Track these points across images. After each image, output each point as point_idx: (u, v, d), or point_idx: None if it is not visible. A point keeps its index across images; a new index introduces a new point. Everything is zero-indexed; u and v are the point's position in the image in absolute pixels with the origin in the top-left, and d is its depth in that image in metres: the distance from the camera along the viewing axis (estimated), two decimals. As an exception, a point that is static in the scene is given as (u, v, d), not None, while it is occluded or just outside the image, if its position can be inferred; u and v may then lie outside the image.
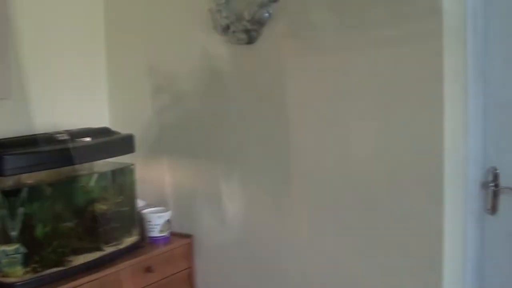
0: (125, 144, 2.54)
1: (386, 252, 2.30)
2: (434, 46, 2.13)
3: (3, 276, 2.12)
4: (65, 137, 2.33)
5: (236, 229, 2.64)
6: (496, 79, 2.33)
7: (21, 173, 2.18)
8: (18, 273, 2.14)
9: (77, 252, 2.34)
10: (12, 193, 2.14)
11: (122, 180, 2.59)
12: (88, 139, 2.38)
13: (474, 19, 2.27)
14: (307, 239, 2.47)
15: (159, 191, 2.79)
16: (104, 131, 2.57)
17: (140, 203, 2.67)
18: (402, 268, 2.28)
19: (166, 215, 2.66)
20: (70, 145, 2.29)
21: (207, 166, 2.68)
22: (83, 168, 2.44)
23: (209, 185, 2.68)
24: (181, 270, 2.70)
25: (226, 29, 2.49)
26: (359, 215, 2.36)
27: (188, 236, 2.73)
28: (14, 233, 2.13)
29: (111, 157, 2.47)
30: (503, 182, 2.35)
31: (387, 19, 2.19)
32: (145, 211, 2.66)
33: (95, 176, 2.49)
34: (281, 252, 2.54)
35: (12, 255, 2.12)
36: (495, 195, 2.37)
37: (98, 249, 2.42)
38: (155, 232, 2.63)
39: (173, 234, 2.73)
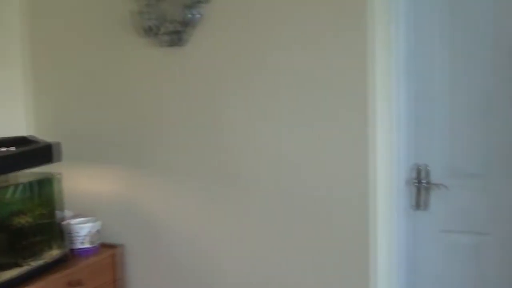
0: (45, 153, 2.37)
1: (315, 252, 2.32)
2: (359, 42, 2.16)
3: None
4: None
5: (168, 237, 2.54)
6: (423, 76, 2.38)
7: None
8: None
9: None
10: None
11: (45, 191, 2.43)
12: (3, 149, 2.21)
13: (398, 16, 2.33)
14: (240, 243, 2.45)
15: (89, 201, 2.64)
16: (22, 141, 2.39)
17: (67, 214, 2.51)
18: (332, 267, 2.30)
19: (94, 226, 2.53)
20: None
21: (139, 173, 2.57)
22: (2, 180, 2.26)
23: (140, 193, 2.58)
24: (111, 282, 2.56)
25: (150, 31, 2.39)
26: (289, 215, 2.36)
27: (117, 246, 2.60)
28: None
29: (29, 168, 2.30)
30: (433, 178, 2.41)
31: (314, 15, 2.19)
32: (71, 222, 2.50)
33: (11, 188, 2.30)
34: (216, 259, 2.50)
35: None
36: (424, 191, 2.42)
37: (18, 265, 2.25)
38: (82, 244, 2.48)
39: (104, 245, 2.59)
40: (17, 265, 2.27)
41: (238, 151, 2.39)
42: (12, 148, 2.26)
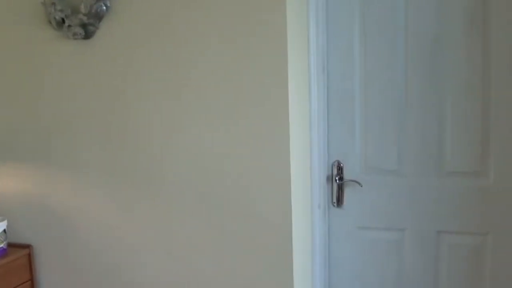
0: None
1: (234, 250, 2.27)
2: (276, 39, 2.11)
3: None
4: None
5: (82, 236, 2.47)
6: (336, 74, 2.36)
7: None
8: None
9: None
10: None
11: None
12: None
13: (315, 15, 2.28)
14: (158, 243, 2.38)
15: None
16: None
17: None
18: (255, 266, 2.25)
19: (0, 225, 2.44)
20: None
21: (49, 171, 2.49)
22: None
23: (51, 191, 2.50)
24: (21, 284, 2.48)
25: (61, 24, 2.33)
26: (210, 216, 2.31)
27: (26, 246, 2.52)
28: None
29: None
30: (347, 175, 2.38)
31: (230, 8, 2.14)
32: (-27, 221, 2.42)
33: None
34: (132, 259, 2.43)
35: None
36: (340, 188, 2.40)
37: None
38: (-13, 244, 2.40)
39: (13, 246, 2.51)
40: None
41: (153, 147, 2.32)
42: None
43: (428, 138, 2.34)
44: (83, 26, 2.31)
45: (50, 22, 2.36)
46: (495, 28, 2.23)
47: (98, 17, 2.30)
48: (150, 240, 2.38)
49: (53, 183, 2.48)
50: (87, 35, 2.32)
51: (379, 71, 2.35)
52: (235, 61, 2.18)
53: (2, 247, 2.45)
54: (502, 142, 2.27)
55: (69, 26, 2.32)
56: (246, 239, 2.25)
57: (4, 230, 2.47)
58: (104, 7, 2.27)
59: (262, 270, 2.23)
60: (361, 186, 2.37)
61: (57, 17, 2.34)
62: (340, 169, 2.41)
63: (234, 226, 2.25)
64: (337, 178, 2.41)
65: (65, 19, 2.32)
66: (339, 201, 2.43)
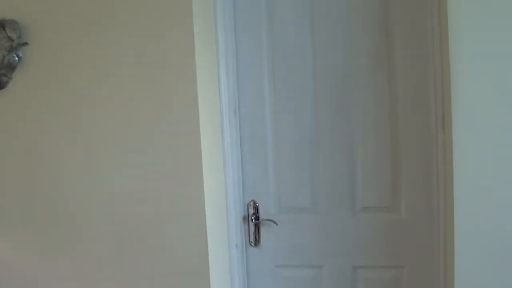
0: None
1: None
2: (188, 87, 2.17)
3: None
4: None
5: None
6: (247, 115, 2.40)
7: None
8: None
9: None
10: None
11: None
12: None
13: (225, 57, 2.35)
14: (73, 284, 2.36)
15: None
16: None
17: None
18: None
19: None
20: None
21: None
22: None
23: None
24: None
25: (-27, 75, 2.36)
26: (125, 256, 2.32)
27: None
28: None
29: None
30: (262, 214, 2.41)
31: (143, 55, 2.20)
32: None
33: None
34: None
35: None
36: (257, 227, 2.42)
37: None
38: None
39: None
40: None
41: (68, 193, 2.35)
42: None
43: (340, 175, 2.38)
44: (-4, 76, 2.34)
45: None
46: (399, 66, 2.30)
47: (11, 67, 2.33)
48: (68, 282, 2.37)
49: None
50: (0, 86, 2.35)
51: (289, 111, 2.40)
52: (148, 106, 2.23)
53: None
54: (412, 177, 2.32)
55: (-17, 77, 2.35)
56: (164, 282, 2.26)
57: None
58: (17, 58, 2.31)
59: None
60: (277, 224, 2.40)
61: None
62: (256, 208, 2.43)
63: (152, 269, 2.27)
64: (253, 217, 2.43)
65: (-19, 70, 2.35)
66: (256, 241, 2.45)
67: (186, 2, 2.15)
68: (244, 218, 2.45)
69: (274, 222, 2.41)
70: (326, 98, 2.36)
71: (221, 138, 2.37)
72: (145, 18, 2.19)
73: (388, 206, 2.36)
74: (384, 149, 2.34)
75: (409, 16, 2.25)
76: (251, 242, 2.46)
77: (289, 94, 2.40)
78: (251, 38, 2.40)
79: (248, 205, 2.44)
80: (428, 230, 2.30)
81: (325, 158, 2.38)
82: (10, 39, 2.29)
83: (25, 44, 2.31)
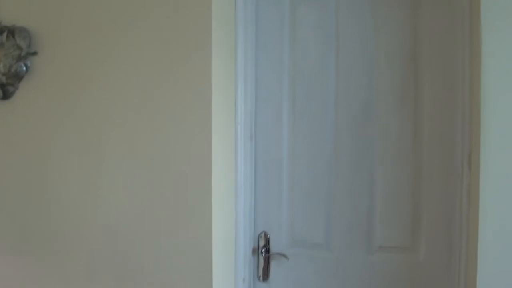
0: None
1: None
2: (202, 107, 2.08)
3: None
4: None
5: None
6: (264, 141, 2.29)
7: None
8: None
9: None
10: None
11: None
12: None
13: (244, 80, 2.26)
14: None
15: None
16: None
17: None
18: None
19: None
20: None
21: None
22: None
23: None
24: None
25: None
26: (126, 286, 2.15)
27: None
28: None
29: None
30: (273, 247, 2.28)
31: (156, 78, 2.11)
32: None
33: None
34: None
35: None
36: (267, 261, 2.29)
37: None
38: None
39: None
40: None
41: (69, 209, 2.24)
42: None
43: (358, 210, 2.27)
44: (2, 86, 2.24)
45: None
46: (426, 100, 2.20)
47: (18, 77, 2.24)
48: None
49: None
50: (6, 96, 2.25)
51: (308, 139, 2.30)
52: (156, 124, 2.14)
53: None
54: (433, 217, 2.20)
55: (-10, 86, 2.24)
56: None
57: None
58: (24, 68, 2.22)
59: None
60: (288, 259, 2.27)
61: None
62: (267, 240, 2.31)
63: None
64: (263, 250, 2.30)
65: (-13, 79, 2.25)
66: (265, 275, 2.31)
67: (206, 22, 2.05)
68: (253, 250, 2.32)
69: (285, 257, 2.27)
70: (347, 128, 2.26)
71: (234, 163, 2.24)
72: (161, 38, 2.10)
73: (407, 247, 2.24)
74: (405, 186, 2.22)
75: (439, 50, 2.16)
76: (260, 276, 2.33)
77: (309, 121, 2.30)
78: (272, 61, 2.31)
79: (259, 236, 2.32)
80: (448, 275, 2.17)
81: (343, 191, 2.27)
82: (19, 47, 2.19)
83: (35, 53, 2.21)
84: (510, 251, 1.95)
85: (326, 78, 2.29)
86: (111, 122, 2.18)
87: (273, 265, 2.34)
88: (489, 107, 1.94)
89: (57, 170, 2.25)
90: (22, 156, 2.29)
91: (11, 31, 2.19)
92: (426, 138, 2.21)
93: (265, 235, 2.33)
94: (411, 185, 2.23)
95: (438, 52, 2.18)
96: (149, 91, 2.12)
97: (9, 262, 2.31)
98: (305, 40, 2.30)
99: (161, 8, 2.09)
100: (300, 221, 2.32)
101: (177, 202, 2.12)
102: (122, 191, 2.17)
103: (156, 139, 2.12)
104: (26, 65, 2.22)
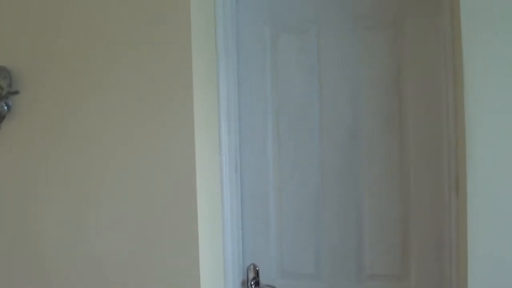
0: None
1: None
2: (187, 143, 2.06)
3: None
4: None
5: None
6: (249, 173, 2.28)
7: None
8: None
9: None
10: None
11: None
12: None
13: (227, 112, 2.24)
14: None
15: None
16: None
17: None
18: None
19: None
20: None
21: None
22: None
23: None
24: None
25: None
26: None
27: None
28: None
29: None
30: (262, 279, 2.26)
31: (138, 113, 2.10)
32: None
33: None
34: None
35: None
36: (257, 293, 2.27)
37: None
38: None
39: None
40: None
41: (48, 250, 2.23)
42: None
43: (346, 239, 2.25)
44: (-17, 125, 2.22)
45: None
46: (411, 126, 2.19)
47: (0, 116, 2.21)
48: None
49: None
50: (-12, 135, 2.23)
51: (294, 169, 2.29)
52: (140, 161, 2.13)
53: None
54: (423, 244, 2.19)
55: (-29, 125, 2.23)
56: None
57: None
58: (6, 107, 2.21)
59: None
60: (277, 290, 2.25)
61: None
62: (256, 272, 2.28)
63: None
64: (252, 283, 2.28)
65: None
66: (254, 307, 2.29)
67: (186, 57, 2.04)
68: (243, 283, 2.30)
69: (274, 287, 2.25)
70: (333, 157, 2.25)
71: (220, 197, 2.22)
72: (143, 76, 2.09)
73: (398, 275, 2.22)
74: (393, 213, 2.21)
75: (422, 75, 2.15)
76: (251, 309, 2.29)
77: (294, 151, 2.29)
78: (255, 92, 2.31)
79: (248, 268, 2.29)
80: (440, 302, 2.15)
81: (331, 220, 2.25)
82: (-1, 87, 2.17)
83: (16, 93, 2.20)
84: (500, 277, 1.92)
85: (310, 107, 2.27)
86: (94, 159, 2.15)
87: (263, 296, 2.31)
88: (474, 132, 1.93)
89: (42, 207, 2.23)
90: (5, 194, 2.27)
91: (-9, 71, 2.18)
92: (412, 165, 2.18)
93: (254, 267, 2.30)
94: (399, 212, 2.21)
95: (422, 77, 2.17)
96: (132, 128, 2.10)
97: None
98: (287, 69, 2.28)
99: (143, 46, 2.07)
100: (289, 252, 2.30)
101: (163, 238, 2.10)
102: (108, 230, 2.15)
103: (140, 176, 2.10)
104: (7, 104, 2.21)
